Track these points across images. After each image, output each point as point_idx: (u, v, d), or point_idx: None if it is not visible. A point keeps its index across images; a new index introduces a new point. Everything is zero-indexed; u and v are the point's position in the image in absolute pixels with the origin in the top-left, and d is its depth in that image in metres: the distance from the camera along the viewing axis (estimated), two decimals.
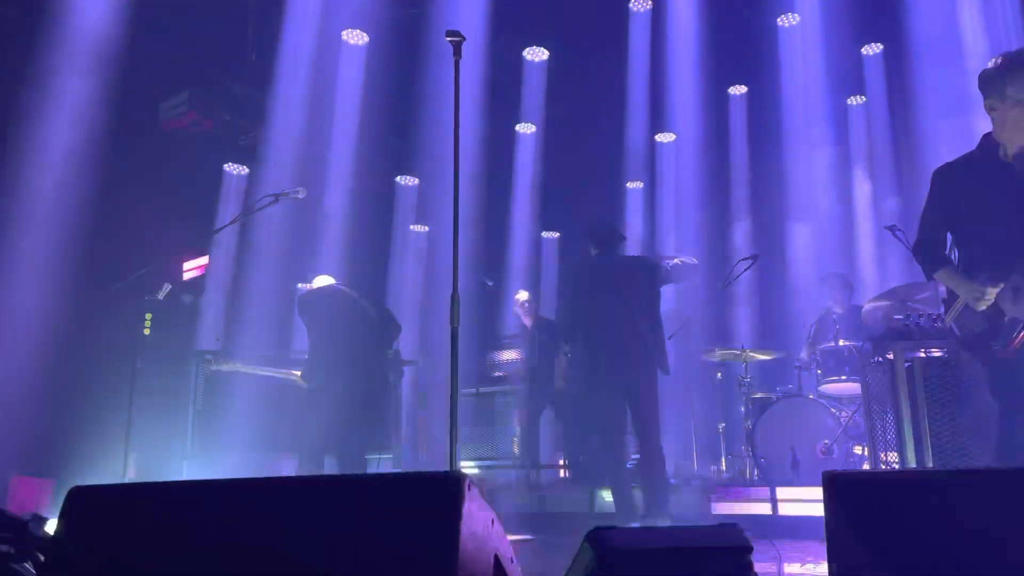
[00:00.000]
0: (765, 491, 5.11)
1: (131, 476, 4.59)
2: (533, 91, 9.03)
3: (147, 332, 4.38)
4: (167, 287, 4.80)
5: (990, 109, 3.11)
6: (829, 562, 1.70)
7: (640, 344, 4.65)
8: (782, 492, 5.01)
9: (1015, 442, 2.96)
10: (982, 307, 3.01)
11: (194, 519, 1.37)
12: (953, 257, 3.26)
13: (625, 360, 4.63)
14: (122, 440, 4.19)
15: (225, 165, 8.70)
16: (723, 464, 6.40)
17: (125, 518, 1.43)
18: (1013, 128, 3.06)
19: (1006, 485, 1.72)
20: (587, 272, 4.93)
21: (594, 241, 4.97)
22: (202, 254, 8.30)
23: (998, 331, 2.99)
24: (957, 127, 8.34)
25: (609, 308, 4.71)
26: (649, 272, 4.91)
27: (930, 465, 3.82)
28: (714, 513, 5.14)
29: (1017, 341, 2.95)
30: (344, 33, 7.99)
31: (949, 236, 3.28)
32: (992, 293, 2.98)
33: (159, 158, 7.87)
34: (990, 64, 3.15)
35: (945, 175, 3.27)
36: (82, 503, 1.49)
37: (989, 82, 3.09)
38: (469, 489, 1.25)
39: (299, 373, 5.59)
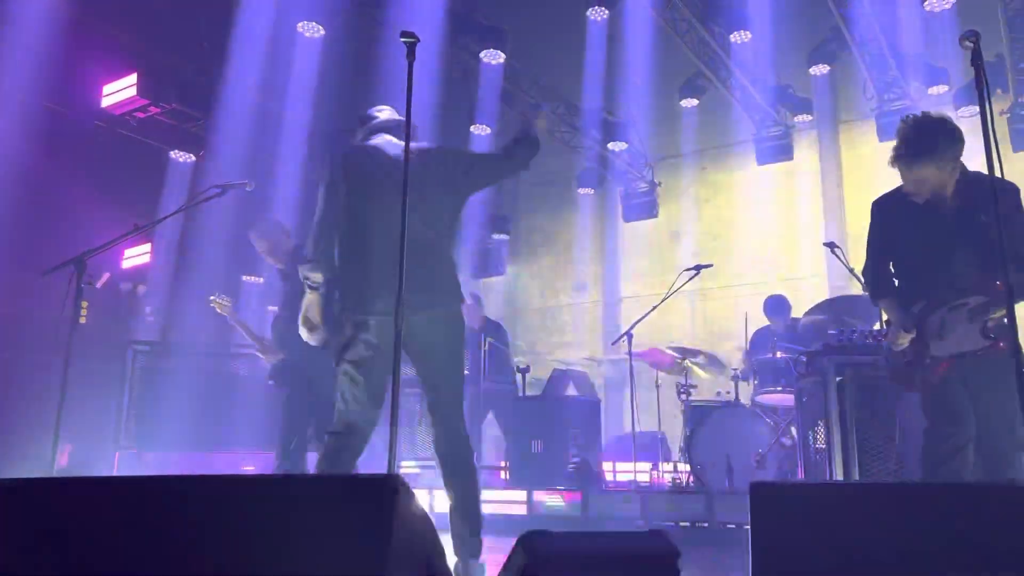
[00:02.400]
0: (699, 497, 5.21)
1: (60, 467, 4.47)
2: (488, 93, 9.05)
3: (83, 320, 4.26)
4: (106, 275, 4.69)
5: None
6: (753, 568, 1.75)
7: (428, 274, 3.10)
8: (716, 498, 5.11)
9: (939, 454, 3.10)
10: (899, 347, 3.18)
11: (125, 516, 1.36)
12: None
13: (396, 296, 2.85)
14: (51, 430, 4.08)
15: (171, 152, 8.52)
16: (660, 469, 6.52)
17: (51, 513, 1.41)
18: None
19: (923, 498, 1.81)
20: (350, 164, 3.25)
21: (362, 121, 3.43)
22: (144, 242, 8.13)
23: (921, 364, 3.15)
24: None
25: (378, 217, 3.10)
26: (443, 164, 3.25)
27: (856, 476, 3.95)
28: (649, 517, 5.21)
29: (937, 375, 3.11)
30: (300, 25, 7.89)
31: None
32: (906, 339, 3.15)
33: (102, 142, 7.68)
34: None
35: (882, 207, 3.40)
36: (6, 498, 1.46)
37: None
38: (404, 492, 1.26)
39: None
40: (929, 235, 3.20)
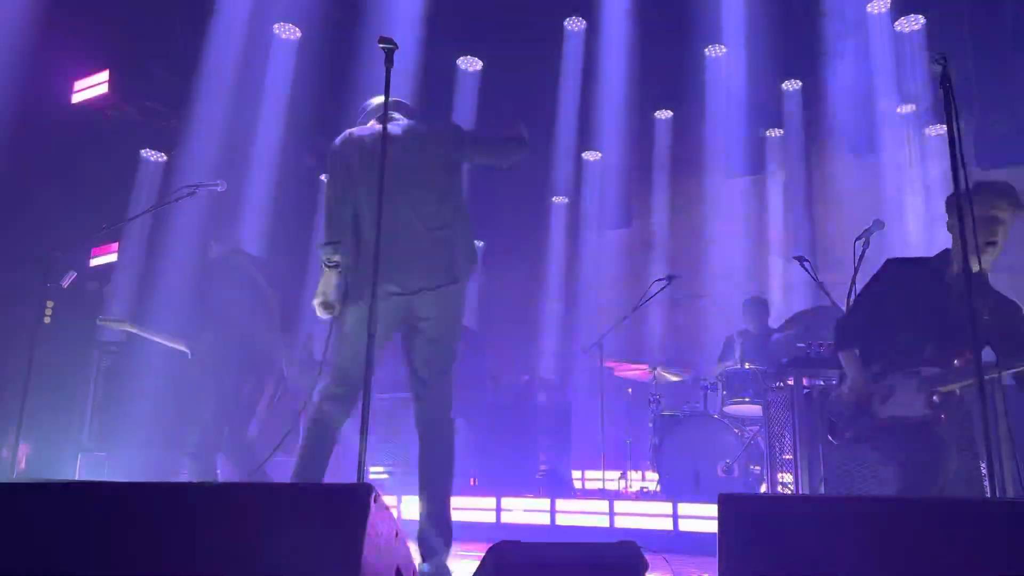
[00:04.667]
0: (667, 506, 5.24)
1: (21, 469, 4.39)
2: (465, 100, 9.06)
3: (47, 320, 4.19)
4: (72, 275, 4.62)
5: (950, 228, 3.19)
6: None
7: (418, 251, 3.25)
8: (683, 508, 5.14)
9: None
10: (851, 398, 3.22)
11: (101, 523, 1.34)
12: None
13: (394, 274, 3.14)
14: (13, 432, 4.01)
15: (143, 151, 8.41)
16: (628, 478, 6.55)
17: (17, 519, 1.39)
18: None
19: (889, 513, 1.84)
20: (343, 151, 3.42)
21: (364, 106, 3.63)
22: (112, 242, 8.01)
23: (853, 424, 3.20)
24: (864, 165, 8.81)
25: (369, 202, 3.20)
26: (435, 142, 3.44)
27: (821, 489, 4.01)
28: (616, 527, 5.24)
29: (851, 437, 3.19)
30: (276, 26, 7.85)
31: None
32: (854, 395, 3.20)
33: (71, 139, 7.56)
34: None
35: (897, 267, 3.37)
36: None
37: (951, 204, 3.16)
38: (375, 501, 1.26)
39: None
40: (928, 312, 3.19)
